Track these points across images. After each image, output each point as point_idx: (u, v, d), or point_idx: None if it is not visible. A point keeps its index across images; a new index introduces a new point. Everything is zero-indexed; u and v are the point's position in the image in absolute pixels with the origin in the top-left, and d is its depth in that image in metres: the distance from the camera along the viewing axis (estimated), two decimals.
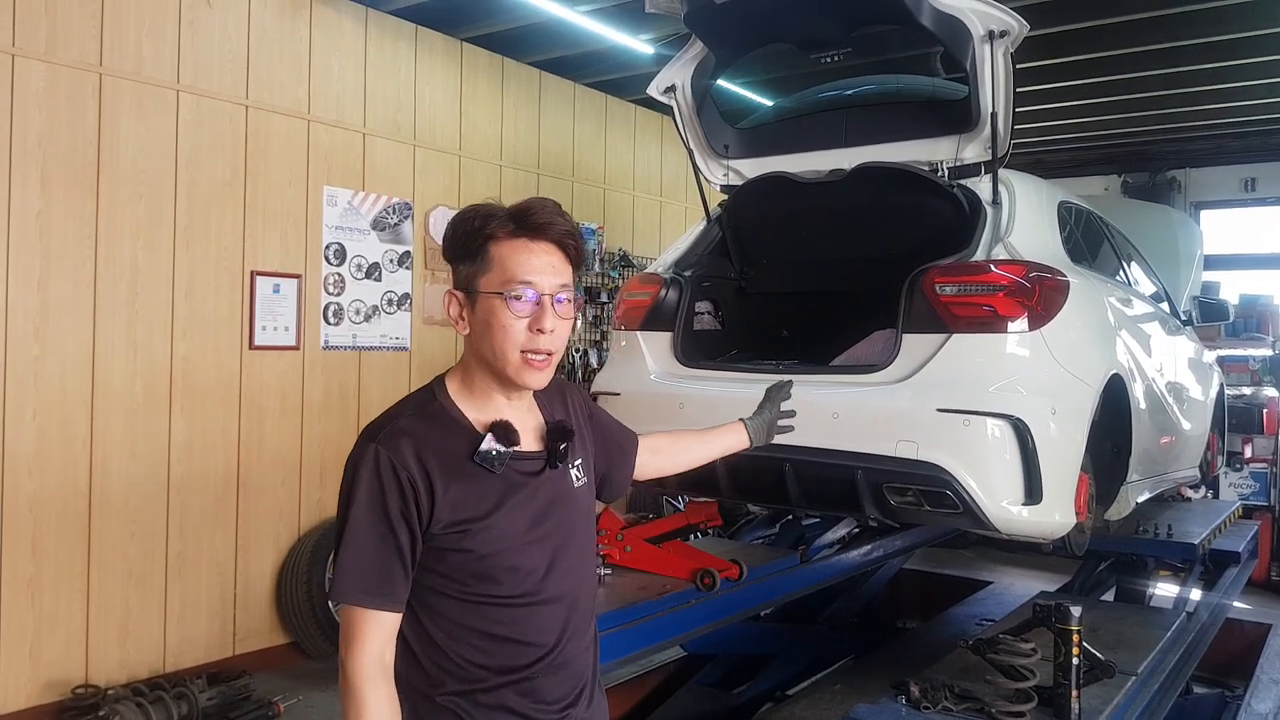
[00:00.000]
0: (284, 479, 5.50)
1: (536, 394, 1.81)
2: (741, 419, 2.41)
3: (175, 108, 4.99)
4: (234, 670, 5.02)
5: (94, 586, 4.71)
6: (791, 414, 2.48)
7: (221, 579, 5.23)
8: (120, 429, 4.79)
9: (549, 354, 1.66)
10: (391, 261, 6.05)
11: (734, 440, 2.37)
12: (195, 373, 5.08)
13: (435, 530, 1.60)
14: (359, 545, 1.57)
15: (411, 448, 1.60)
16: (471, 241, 1.66)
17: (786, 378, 2.58)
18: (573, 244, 1.69)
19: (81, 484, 4.66)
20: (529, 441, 1.73)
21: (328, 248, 5.70)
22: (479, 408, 1.71)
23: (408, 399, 1.76)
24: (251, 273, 5.31)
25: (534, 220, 1.64)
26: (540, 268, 1.64)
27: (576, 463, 1.82)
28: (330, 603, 1.65)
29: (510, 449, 1.66)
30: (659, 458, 2.22)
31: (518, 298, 1.62)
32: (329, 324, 5.71)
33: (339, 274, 5.76)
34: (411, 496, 1.58)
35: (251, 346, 5.31)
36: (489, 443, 1.64)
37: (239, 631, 5.31)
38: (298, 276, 5.53)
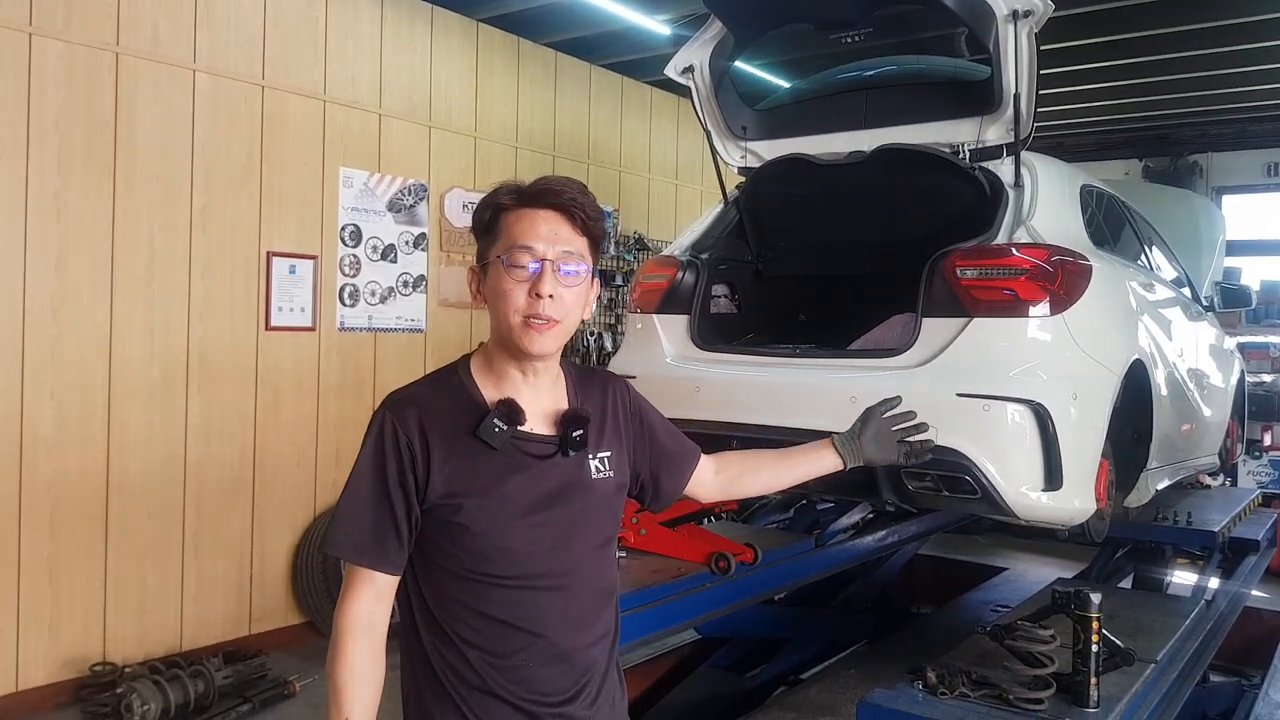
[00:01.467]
0: (299, 460, 5.52)
1: (570, 381, 1.80)
2: (832, 437, 2.17)
3: (192, 88, 4.98)
4: (250, 649, 5.06)
5: (112, 566, 4.74)
6: (913, 420, 2.21)
7: (238, 559, 5.26)
8: (138, 410, 4.81)
9: (551, 320, 1.63)
10: (407, 243, 6.05)
11: (822, 462, 2.13)
12: (212, 354, 5.09)
13: (432, 499, 1.62)
14: (356, 503, 1.63)
15: (417, 416, 1.63)
16: (483, 215, 1.70)
17: (894, 395, 2.27)
18: (580, 212, 1.66)
19: (99, 464, 4.69)
20: (543, 425, 1.71)
21: (343, 229, 5.70)
22: (496, 385, 1.71)
23: (433, 372, 1.79)
24: (268, 254, 5.31)
25: (538, 188, 1.66)
26: (543, 234, 1.63)
27: (602, 455, 1.77)
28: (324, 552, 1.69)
29: (512, 427, 1.65)
30: (724, 476, 2.08)
31: (518, 263, 1.63)
32: (345, 305, 5.71)
33: (355, 255, 5.76)
34: (409, 463, 1.61)
35: (268, 328, 5.32)
36: (492, 419, 1.63)
37: (255, 611, 5.35)
38: (314, 258, 5.53)
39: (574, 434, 1.70)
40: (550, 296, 1.62)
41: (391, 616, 1.68)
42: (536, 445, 1.69)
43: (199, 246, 5.03)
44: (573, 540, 1.70)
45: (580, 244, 1.67)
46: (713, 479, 2.06)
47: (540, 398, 1.72)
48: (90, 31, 4.59)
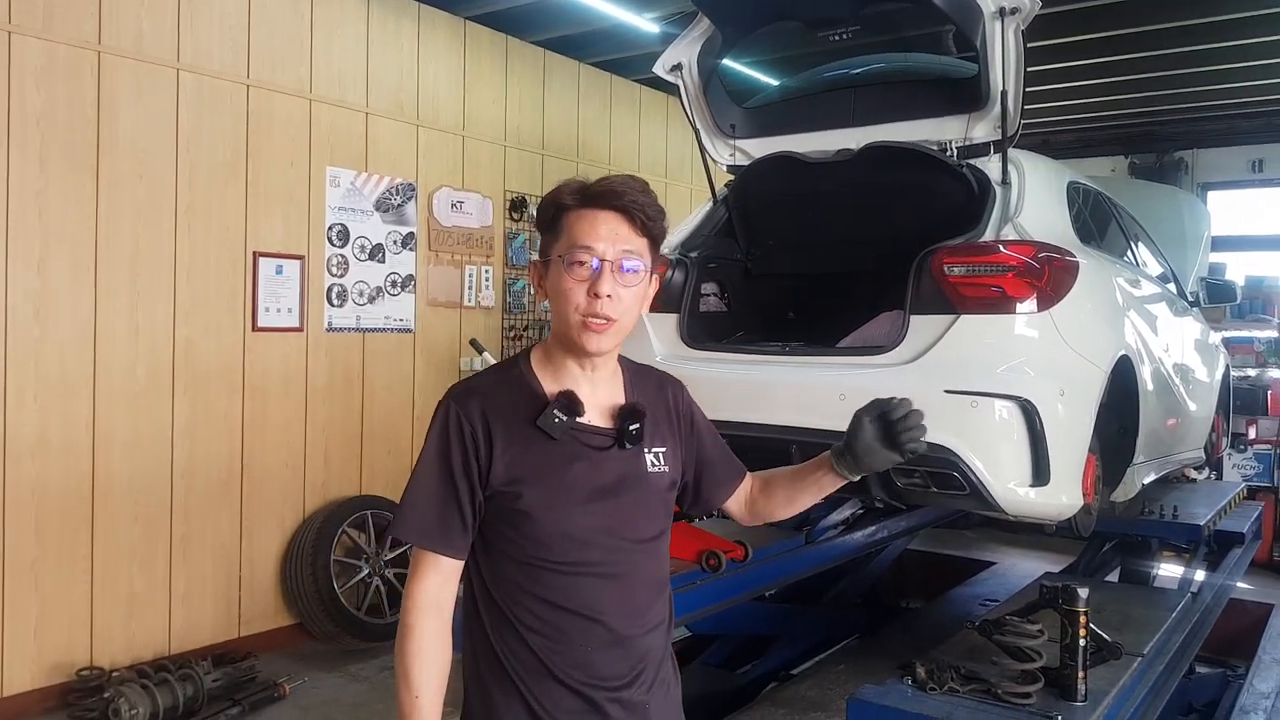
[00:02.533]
0: (288, 461, 5.50)
1: (628, 378, 1.85)
2: (828, 458, 1.92)
3: (175, 86, 4.95)
4: (239, 652, 5.03)
5: (98, 569, 4.71)
6: (903, 414, 1.80)
7: (226, 561, 5.24)
8: (122, 412, 4.78)
9: (609, 319, 1.68)
10: (395, 243, 6.02)
11: (823, 482, 1.93)
12: (198, 355, 5.06)
13: (495, 486, 1.68)
14: (422, 490, 1.69)
15: (479, 405, 1.70)
16: (547, 212, 1.74)
17: (897, 397, 1.87)
18: (640, 213, 1.70)
19: (84, 467, 4.65)
20: (601, 418, 1.76)
21: (330, 229, 5.67)
22: (555, 378, 1.76)
23: (495, 364, 1.87)
24: (254, 254, 5.28)
25: (600, 189, 1.70)
26: (603, 234, 1.67)
27: (658, 450, 1.81)
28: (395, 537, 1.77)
29: (571, 418, 1.70)
30: (750, 498, 2.02)
31: (578, 263, 1.67)
32: (332, 306, 5.68)
33: (342, 255, 5.73)
34: (473, 450, 1.67)
35: (254, 328, 5.29)
36: (551, 409, 1.69)
37: (244, 613, 5.32)
38: (300, 258, 5.50)
39: (630, 428, 1.75)
40: (609, 296, 1.66)
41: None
42: (594, 437, 1.74)
43: (184, 247, 4.99)
44: (628, 530, 1.74)
45: (640, 244, 1.71)
46: (745, 498, 2.02)
47: (598, 391, 1.77)
48: (71, 30, 4.56)
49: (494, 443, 1.67)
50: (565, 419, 1.69)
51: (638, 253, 1.71)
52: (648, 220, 1.71)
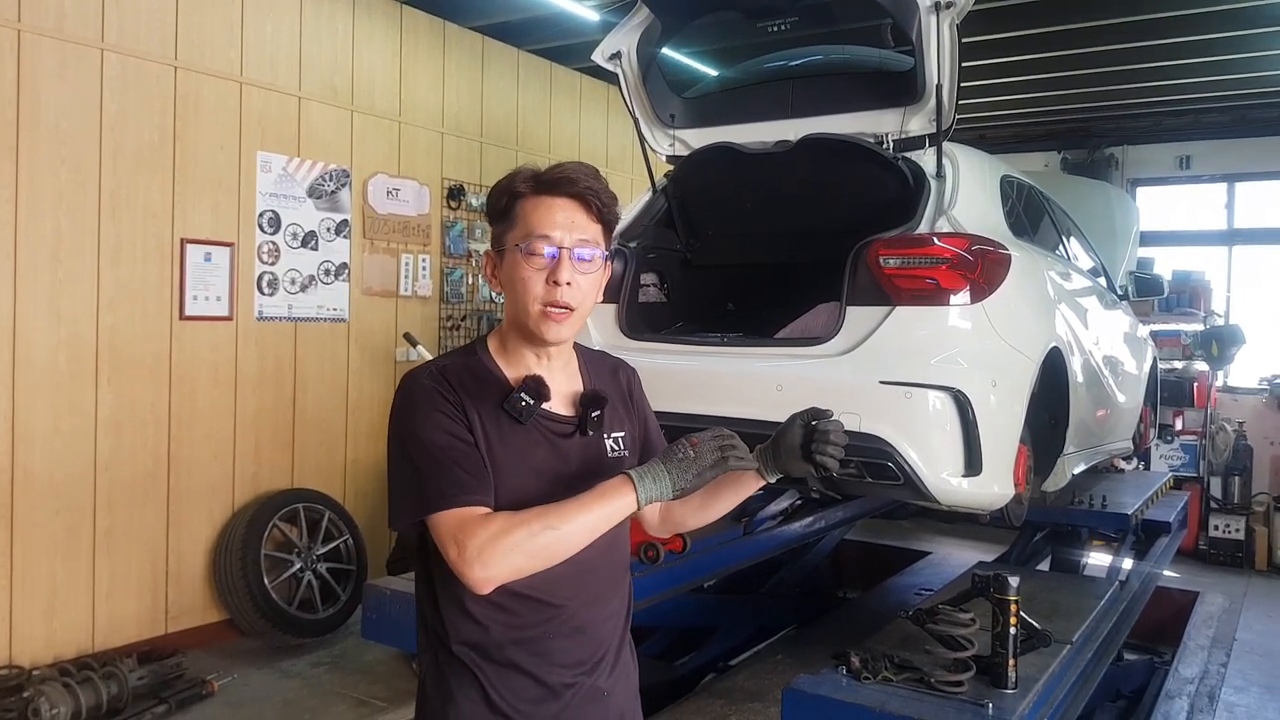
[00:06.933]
0: (217, 453, 5.36)
1: (584, 365, 1.84)
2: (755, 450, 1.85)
3: (100, 67, 4.78)
4: (166, 649, 4.90)
5: (18, 565, 4.55)
6: (824, 428, 1.75)
7: (152, 556, 5.09)
8: (44, 402, 4.61)
9: (568, 308, 1.67)
10: (329, 230, 5.90)
11: (742, 483, 1.86)
12: (123, 344, 4.90)
13: None
14: (436, 456, 1.60)
15: (448, 381, 1.67)
16: (500, 200, 1.72)
17: (833, 412, 1.82)
18: (596, 200, 1.69)
19: (3, 459, 4.48)
20: (561, 405, 1.75)
21: (261, 215, 5.53)
22: (513, 366, 1.74)
23: (452, 350, 1.83)
24: (181, 240, 5.13)
25: (554, 176, 1.69)
26: (560, 222, 1.66)
27: (616, 435, 1.80)
28: (421, 518, 1.61)
29: (538, 403, 1.68)
30: (663, 508, 1.94)
31: (535, 252, 1.65)
32: (263, 294, 5.55)
33: (273, 242, 5.59)
34: (461, 419, 1.64)
35: (182, 317, 5.14)
36: (519, 393, 1.67)
37: (171, 609, 5.18)
38: (230, 245, 5.35)
39: (593, 414, 1.74)
40: (568, 284, 1.65)
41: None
42: (557, 425, 1.73)
43: (108, 232, 4.83)
44: None
45: (595, 231, 1.71)
46: (660, 505, 1.91)
47: (555, 378, 1.75)
48: None
49: (469, 422, 1.64)
50: (532, 403, 1.67)
51: (594, 240, 1.70)
52: (603, 206, 1.71)
